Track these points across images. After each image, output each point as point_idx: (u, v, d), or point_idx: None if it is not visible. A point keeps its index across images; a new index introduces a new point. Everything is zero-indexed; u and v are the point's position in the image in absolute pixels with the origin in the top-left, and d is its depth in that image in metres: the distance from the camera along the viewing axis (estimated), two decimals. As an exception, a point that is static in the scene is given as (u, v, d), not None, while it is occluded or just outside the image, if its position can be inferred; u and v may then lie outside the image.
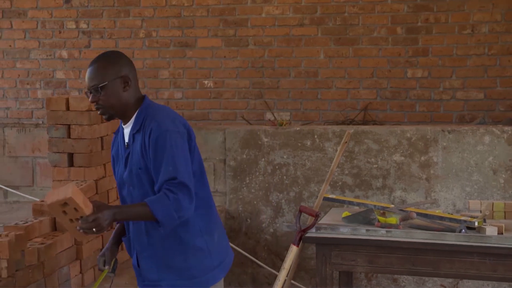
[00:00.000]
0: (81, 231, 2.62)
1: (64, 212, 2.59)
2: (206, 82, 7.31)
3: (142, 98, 2.90)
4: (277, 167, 5.67)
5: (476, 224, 3.76)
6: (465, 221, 3.81)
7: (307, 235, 3.85)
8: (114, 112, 2.83)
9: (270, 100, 7.15)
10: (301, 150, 5.64)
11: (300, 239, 3.82)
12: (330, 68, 7.04)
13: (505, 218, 4.07)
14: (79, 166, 4.09)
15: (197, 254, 2.86)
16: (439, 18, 6.81)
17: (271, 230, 5.71)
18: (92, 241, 3.94)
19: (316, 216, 3.81)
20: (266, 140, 5.68)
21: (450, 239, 3.73)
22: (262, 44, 7.15)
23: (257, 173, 5.70)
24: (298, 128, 5.71)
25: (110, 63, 2.82)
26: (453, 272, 3.79)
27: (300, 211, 3.89)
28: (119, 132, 2.95)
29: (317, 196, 5.07)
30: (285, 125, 5.79)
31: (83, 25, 7.48)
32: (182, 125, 2.85)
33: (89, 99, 2.82)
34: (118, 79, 2.80)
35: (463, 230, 3.74)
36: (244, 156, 5.71)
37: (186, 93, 7.35)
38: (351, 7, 6.95)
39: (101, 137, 4.15)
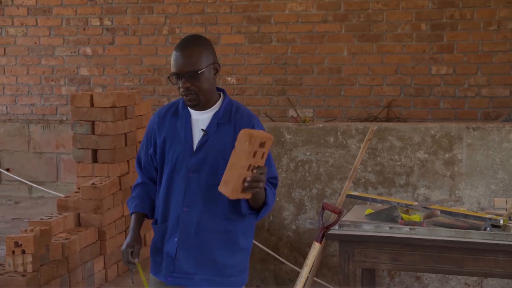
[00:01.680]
0: (247, 183, 2.58)
1: (251, 154, 2.53)
2: (229, 78, 7.32)
3: (220, 89, 2.93)
4: (300, 164, 5.66)
5: (501, 222, 3.72)
6: (490, 219, 3.77)
7: (330, 232, 3.84)
8: (204, 98, 2.80)
9: (293, 97, 7.14)
10: (324, 147, 5.62)
11: (323, 236, 3.81)
12: (354, 65, 7.02)
13: (530, 216, 4.02)
14: (103, 162, 4.11)
15: (241, 254, 2.88)
16: (465, 14, 6.75)
17: (294, 227, 5.70)
18: (116, 237, 3.97)
19: (339, 213, 3.80)
20: (289, 137, 5.67)
21: (474, 237, 3.69)
22: (285, 40, 7.14)
23: (280, 170, 5.69)
24: (321, 125, 5.70)
25: (206, 49, 2.80)
26: (477, 271, 3.76)
27: (323, 208, 3.87)
28: (177, 114, 2.88)
29: (340, 193, 5.05)
30: (308, 122, 5.77)
31: (107, 22, 7.52)
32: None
33: (180, 84, 2.77)
34: (212, 65, 2.80)
35: (488, 228, 3.70)
36: (267, 152, 5.70)
37: (209, 90, 7.35)
38: (375, 4, 6.91)
39: (125, 134, 4.17)
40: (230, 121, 2.82)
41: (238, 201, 2.77)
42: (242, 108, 2.89)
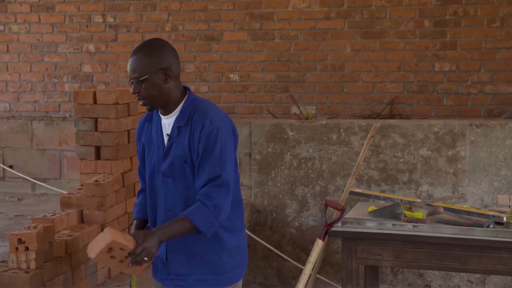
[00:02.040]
0: (134, 265, 2.61)
1: (112, 257, 2.57)
2: (232, 75, 7.31)
3: (185, 90, 2.89)
4: (302, 161, 5.66)
5: (505, 219, 3.72)
6: (493, 216, 3.76)
7: (333, 229, 3.84)
8: (156, 103, 2.80)
9: (296, 94, 7.13)
10: (327, 144, 5.62)
11: (326, 233, 3.81)
12: (357, 62, 7.01)
13: (534, 214, 4.01)
14: (106, 159, 4.11)
15: (231, 251, 2.87)
16: (468, 11, 6.73)
17: (297, 224, 5.70)
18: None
19: (342, 210, 3.80)
20: (291, 133, 5.67)
21: (478, 234, 3.69)
22: (288, 37, 7.13)
23: (283, 167, 5.69)
24: (324, 122, 5.69)
25: (151, 54, 2.76)
26: (481, 268, 3.76)
27: (326, 205, 3.87)
28: (152, 120, 2.91)
29: (343, 190, 5.05)
30: (310, 118, 5.77)
31: (110, 19, 7.52)
32: (230, 123, 2.85)
33: (131, 90, 2.80)
34: (160, 71, 2.76)
35: (491, 225, 3.70)
36: (270, 149, 5.71)
37: (211, 87, 7.36)
38: (378, 0, 6.90)
39: (128, 130, 4.17)
40: (188, 123, 2.79)
41: None
42: (201, 108, 2.81)
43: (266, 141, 5.72)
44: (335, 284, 5.41)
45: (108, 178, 3.94)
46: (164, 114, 2.84)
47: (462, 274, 5.34)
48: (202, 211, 2.71)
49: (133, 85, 2.76)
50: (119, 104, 4.06)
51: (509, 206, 4.03)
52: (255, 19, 7.19)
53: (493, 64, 6.73)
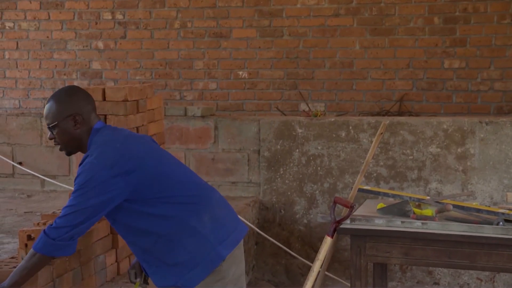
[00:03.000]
0: None
1: None
2: (240, 72, 7.31)
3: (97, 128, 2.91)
4: (311, 158, 5.65)
5: (514, 217, 3.70)
6: (503, 213, 3.75)
7: (342, 226, 3.84)
8: (70, 148, 2.92)
9: (304, 91, 7.12)
10: (335, 141, 5.61)
11: (335, 230, 3.81)
12: (366, 59, 6.99)
13: (544, 211, 3.99)
14: (115, 156, 4.11)
15: (193, 243, 2.80)
16: (478, 7, 6.70)
17: (305, 221, 5.70)
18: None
19: (351, 208, 3.79)
20: (300, 131, 5.67)
21: (487, 231, 3.68)
22: (297, 34, 7.12)
23: (291, 164, 5.68)
24: (332, 119, 5.68)
25: (60, 102, 2.87)
26: (490, 265, 3.74)
27: (335, 202, 3.87)
28: None
29: (351, 188, 5.04)
30: (319, 116, 5.76)
31: (119, 16, 7.53)
32: (124, 161, 2.76)
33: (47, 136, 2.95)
34: (68, 117, 2.85)
35: (501, 223, 3.68)
36: (278, 146, 5.70)
37: (220, 84, 7.36)
38: (387, -3, 6.89)
39: (137, 127, 4.17)
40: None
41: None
42: (91, 149, 2.84)
43: (274, 138, 5.71)
44: (343, 282, 5.40)
45: (117, 175, 3.94)
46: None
47: (471, 271, 5.32)
48: (38, 239, 2.80)
49: (48, 132, 2.90)
50: (128, 101, 4.06)
51: (519, 204, 4.02)
52: (264, 16, 7.19)
53: (503, 61, 6.70)
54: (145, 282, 3.01)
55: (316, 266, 3.78)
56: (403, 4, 6.86)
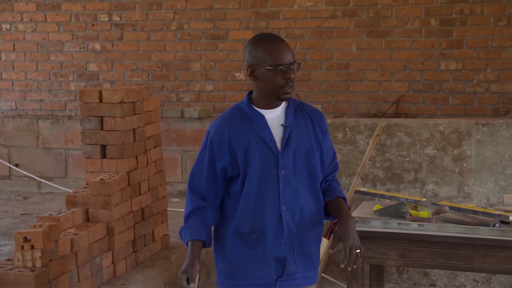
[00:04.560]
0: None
1: None
2: (237, 74, 7.31)
3: None
4: (308, 159, 5.65)
5: (511, 218, 3.72)
6: (499, 215, 3.76)
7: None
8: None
9: (301, 93, 7.13)
10: (332, 143, 5.60)
11: (331, 232, 3.81)
12: (362, 61, 7.00)
13: (540, 213, 4.00)
14: (112, 158, 4.11)
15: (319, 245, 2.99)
16: (474, 9, 6.72)
17: (302, 222, 5.69)
18: (124, 232, 3.97)
19: (348, 209, 3.79)
20: (297, 132, 5.66)
21: (483, 233, 3.69)
22: (294, 36, 7.12)
23: (288, 166, 5.68)
24: (329, 121, 5.68)
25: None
26: (487, 267, 3.75)
27: (331, 204, 3.86)
28: (248, 120, 2.85)
29: (348, 189, 5.04)
30: (316, 117, 5.75)
31: (115, 18, 7.53)
32: None
33: (288, 75, 2.78)
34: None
35: (497, 224, 3.69)
36: (275, 148, 5.69)
37: (217, 86, 7.36)
38: (384, -1, 6.90)
39: (133, 129, 4.17)
40: (303, 113, 2.90)
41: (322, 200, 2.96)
42: (303, 102, 3.00)
43: (271, 140, 5.70)
44: (340, 283, 5.41)
45: (114, 177, 3.94)
46: (267, 108, 2.85)
47: (468, 273, 5.32)
48: (340, 189, 2.97)
49: (294, 68, 2.79)
50: (124, 102, 4.05)
51: (515, 205, 4.03)
52: (261, 17, 7.19)
53: (500, 63, 6.71)
54: (198, 286, 2.78)
55: (313, 268, 3.78)
56: (399, 6, 6.87)
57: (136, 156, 4.19)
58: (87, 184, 4.00)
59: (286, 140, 2.82)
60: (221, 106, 7.32)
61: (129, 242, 4.05)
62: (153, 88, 7.33)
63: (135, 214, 4.11)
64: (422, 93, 6.91)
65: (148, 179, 4.26)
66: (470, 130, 5.38)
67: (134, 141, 4.18)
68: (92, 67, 7.62)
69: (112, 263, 3.91)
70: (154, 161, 4.35)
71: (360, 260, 2.76)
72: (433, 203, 4.05)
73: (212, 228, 2.92)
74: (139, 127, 4.21)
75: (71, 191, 4.22)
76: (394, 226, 3.85)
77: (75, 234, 3.56)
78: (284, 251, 2.82)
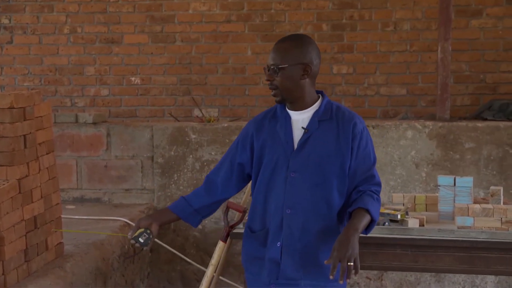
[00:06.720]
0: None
1: None
2: (133, 78, 7.24)
3: (319, 91, 2.94)
4: (205, 163, 5.67)
5: (399, 217, 3.85)
6: (388, 214, 3.89)
7: (235, 231, 3.88)
8: (286, 96, 2.82)
9: (198, 97, 7.14)
10: (229, 147, 5.65)
11: (228, 235, 3.84)
12: (258, 65, 7.09)
13: (426, 211, 4.18)
14: (1, 165, 3.98)
15: None
16: (363, 15, 6.94)
17: (200, 226, 5.71)
18: (15, 241, 3.85)
19: (243, 212, 3.84)
20: (194, 136, 5.68)
21: (373, 232, 3.81)
22: (189, 40, 7.13)
23: (185, 170, 5.68)
24: (226, 125, 5.73)
25: (296, 47, 2.82)
26: (377, 264, 3.88)
27: (228, 207, 3.91)
28: (276, 117, 2.89)
29: (244, 192, 5.09)
30: (213, 121, 5.79)
31: (4, 21, 7.29)
32: None
33: (266, 77, 2.83)
34: (300, 65, 2.81)
35: (387, 223, 3.82)
36: (172, 153, 5.69)
37: (112, 90, 7.26)
38: (277, 4, 7.01)
39: (24, 135, 4.06)
40: (332, 118, 2.83)
41: (344, 211, 2.84)
42: (343, 107, 2.91)
43: (168, 144, 5.70)
44: (238, 286, 5.45)
45: (4, 184, 3.82)
46: (295, 110, 2.84)
47: (360, 271, 5.48)
48: (375, 204, 2.77)
49: (268, 72, 2.79)
50: (14, 108, 3.94)
51: (403, 204, 4.19)
52: (156, 21, 7.15)
53: (388, 67, 6.97)
54: (146, 244, 2.91)
55: (210, 271, 3.81)
56: (292, 11, 7.01)
57: (28, 163, 4.07)
58: (-25, 193, 3.85)
59: (302, 143, 2.81)
60: (117, 111, 7.22)
61: (21, 251, 3.93)
62: (45, 93, 7.15)
63: (27, 222, 3.99)
64: (315, 97, 7.06)
65: (40, 186, 4.15)
66: (361, 132, 5.55)
67: (25, 147, 4.06)
68: (-20, 72, 7.34)
69: (3, 274, 3.79)
70: (47, 168, 4.24)
71: (354, 272, 2.65)
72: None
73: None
74: (30, 133, 4.10)
75: (-42, 200, 4.05)
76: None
77: (-37, 245, 3.42)
78: (277, 253, 2.82)
